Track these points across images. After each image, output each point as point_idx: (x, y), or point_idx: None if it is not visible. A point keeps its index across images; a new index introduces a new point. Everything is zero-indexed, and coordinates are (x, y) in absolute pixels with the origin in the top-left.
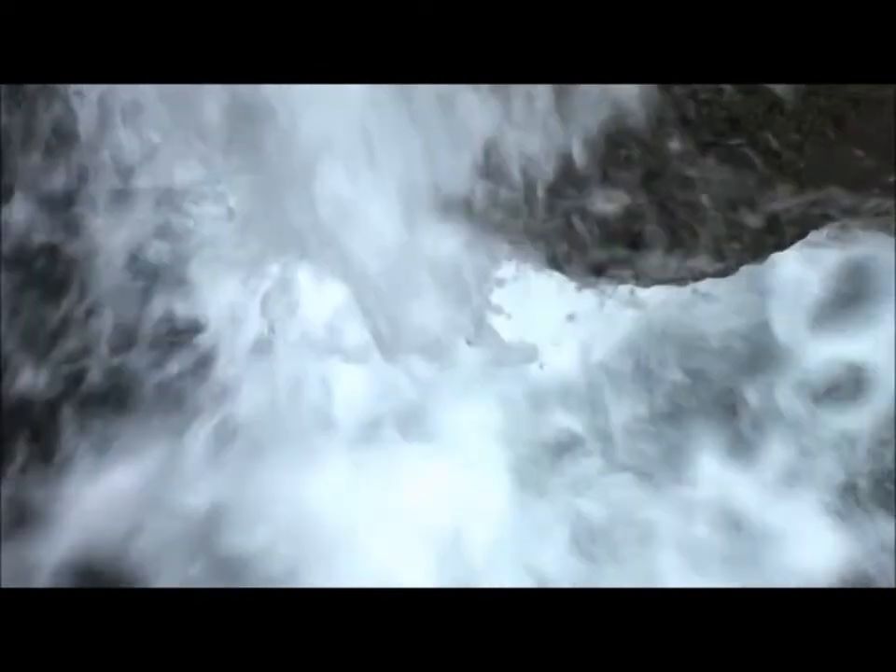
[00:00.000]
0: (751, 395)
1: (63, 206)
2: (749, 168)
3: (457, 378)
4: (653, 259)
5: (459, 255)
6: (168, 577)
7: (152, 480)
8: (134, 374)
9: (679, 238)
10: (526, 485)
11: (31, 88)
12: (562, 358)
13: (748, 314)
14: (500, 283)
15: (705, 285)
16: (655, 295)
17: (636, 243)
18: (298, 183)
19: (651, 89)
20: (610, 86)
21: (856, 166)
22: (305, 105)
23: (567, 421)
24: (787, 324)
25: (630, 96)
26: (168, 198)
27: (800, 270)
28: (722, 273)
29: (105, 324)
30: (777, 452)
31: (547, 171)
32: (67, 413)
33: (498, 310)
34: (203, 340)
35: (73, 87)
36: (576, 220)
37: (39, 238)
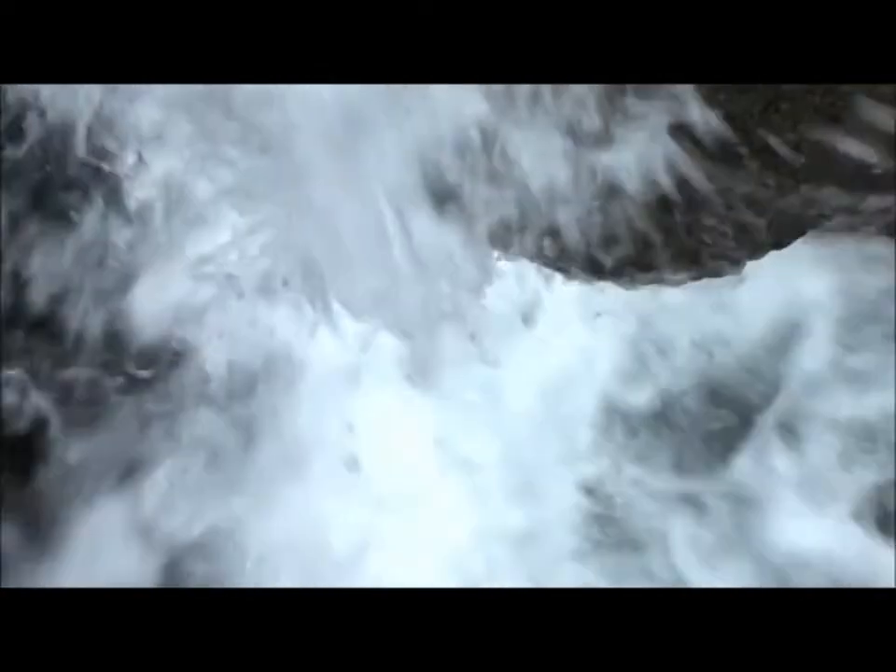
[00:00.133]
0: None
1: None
2: (747, 167)
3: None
4: (650, 259)
5: (456, 255)
6: None
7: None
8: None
9: (677, 238)
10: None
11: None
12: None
13: (746, 313)
14: (499, 282)
15: (702, 284)
16: (653, 295)
17: (632, 243)
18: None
19: (648, 89)
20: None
21: (853, 165)
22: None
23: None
24: (786, 324)
25: (628, 96)
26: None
27: (797, 269)
28: (720, 273)
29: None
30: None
31: (545, 171)
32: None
33: (497, 309)
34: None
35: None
36: (574, 220)
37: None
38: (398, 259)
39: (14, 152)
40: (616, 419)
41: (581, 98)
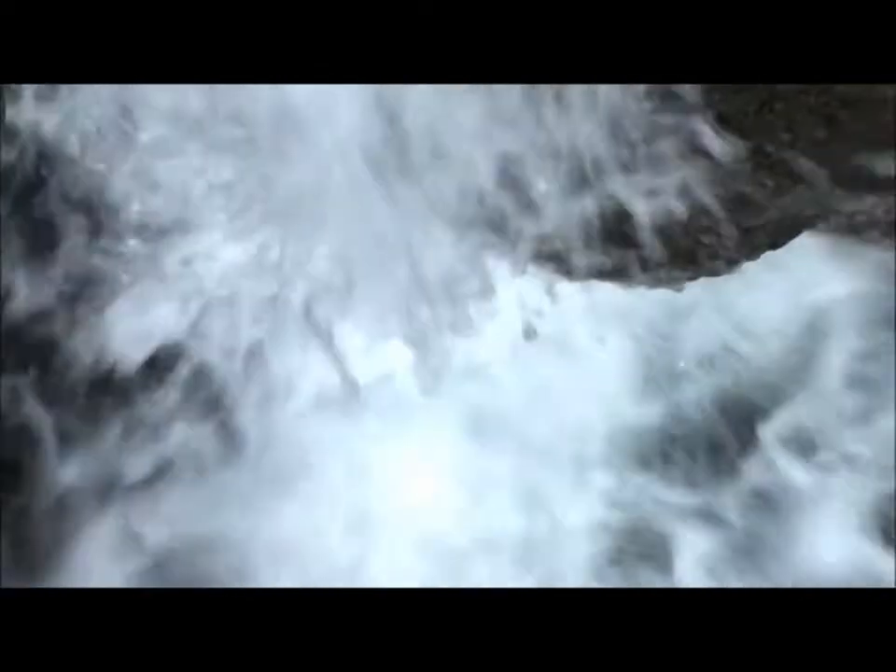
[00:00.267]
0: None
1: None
2: (742, 167)
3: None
4: (646, 259)
5: (451, 254)
6: None
7: None
8: None
9: (673, 238)
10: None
11: None
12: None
13: (744, 313)
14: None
15: (699, 284)
16: (649, 295)
17: (629, 243)
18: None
19: (643, 90)
20: (605, 88)
21: (848, 165)
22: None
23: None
24: (782, 323)
25: (624, 97)
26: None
27: (794, 269)
28: (717, 273)
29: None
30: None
31: (542, 172)
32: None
33: (495, 308)
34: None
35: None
36: (571, 221)
37: None
38: (402, 271)
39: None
40: (624, 429)
41: (575, 99)
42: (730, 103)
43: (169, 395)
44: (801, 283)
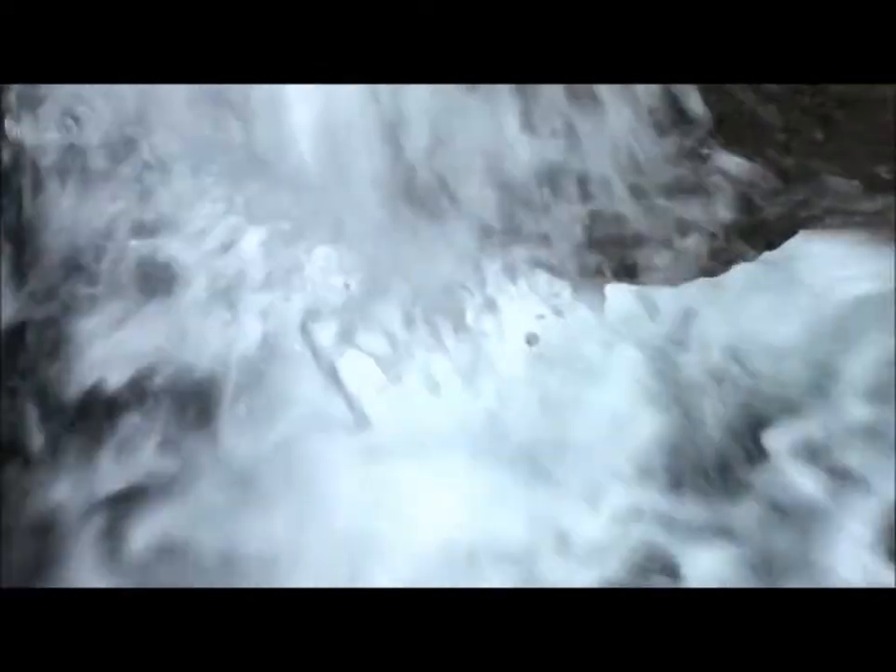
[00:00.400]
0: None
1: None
2: (737, 168)
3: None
4: (642, 260)
5: (447, 253)
6: None
7: None
8: None
9: (669, 238)
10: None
11: None
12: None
13: (740, 313)
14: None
15: (696, 283)
16: (646, 294)
17: (624, 244)
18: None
19: (636, 89)
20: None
21: (843, 165)
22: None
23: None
24: (781, 325)
25: (617, 97)
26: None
27: (790, 269)
28: (713, 273)
29: None
30: None
31: (538, 172)
32: None
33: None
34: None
35: None
36: (567, 221)
37: None
38: (403, 281)
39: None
40: (631, 438)
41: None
42: (725, 103)
43: (158, 409)
44: (798, 284)
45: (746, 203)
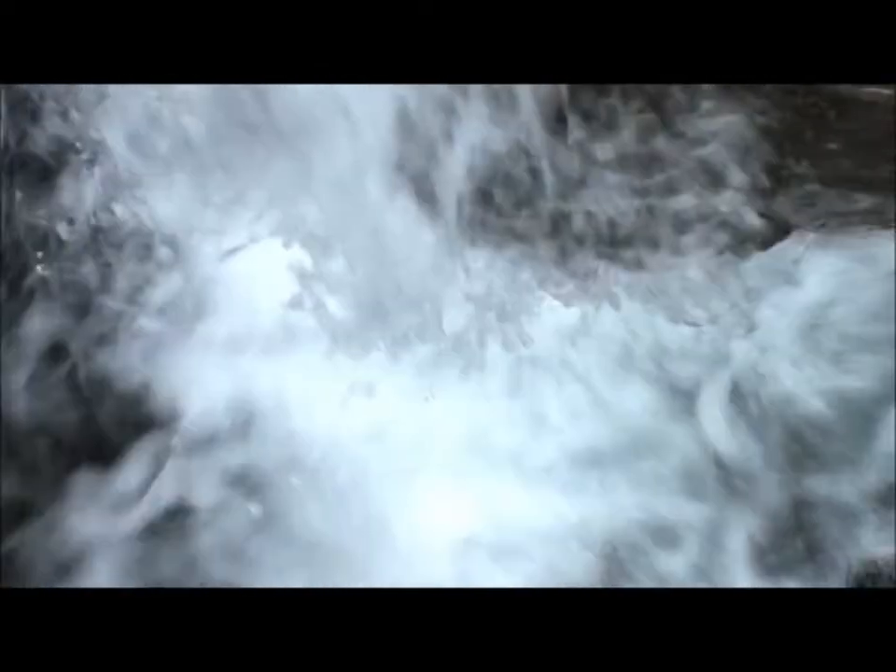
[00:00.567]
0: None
1: None
2: (730, 167)
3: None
4: (638, 260)
5: (443, 253)
6: None
7: None
8: None
9: (664, 239)
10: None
11: None
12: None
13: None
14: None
15: (692, 283)
16: (640, 295)
17: (620, 243)
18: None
19: (634, 91)
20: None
21: (837, 165)
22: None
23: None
24: (773, 325)
25: (613, 98)
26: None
27: (785, 269)
28: (707, 273)
29: None
30: None
31: (534, 172)
32: None
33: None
34: None
35: None
36: (562, 221)
37: None
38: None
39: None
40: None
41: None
42: (720, 103)
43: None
44: (794, 284)
45: (738, 204)
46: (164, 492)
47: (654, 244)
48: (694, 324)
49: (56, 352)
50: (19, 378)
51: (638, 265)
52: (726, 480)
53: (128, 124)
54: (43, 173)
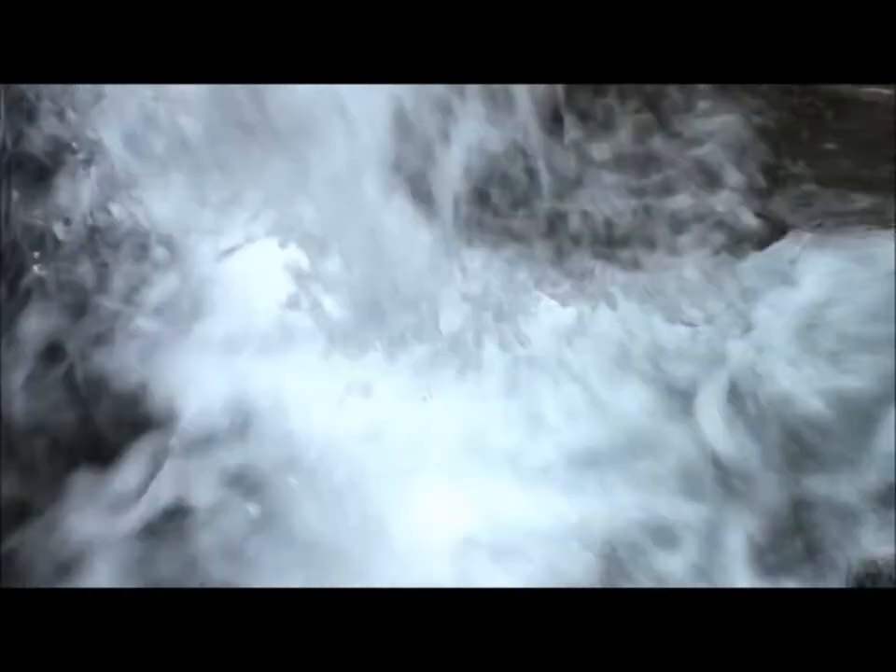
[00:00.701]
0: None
1: None
2: (727, 167)
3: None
4: (634, 260)
5: (439, 253)
6: None
7: None
8: None
9: (660, 239)
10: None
11: None
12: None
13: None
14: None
15: (689, 283)
16: (637, 295)
17: (616, 243)
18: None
19: (631, 91)
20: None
21: (834, 165)
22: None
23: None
24: (770, 325)
25: (610, 98)
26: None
27: (782, 269)
28: (704, 273)
29: None
30: None
31: (530, 172)
32: None
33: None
34: None
35: None
36: (558, 221)
37: None
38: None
39: None
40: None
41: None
42: (716, 103)
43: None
44: (791, 284)
45: (734, 203)
46: (163, 492)
47: (651, 244)
48: (691, 324)
49: (53, 352)
50: (16, 378)
51: (635, 265)
52: (724, 480)
53: (124, 124)
54: (39, 173)
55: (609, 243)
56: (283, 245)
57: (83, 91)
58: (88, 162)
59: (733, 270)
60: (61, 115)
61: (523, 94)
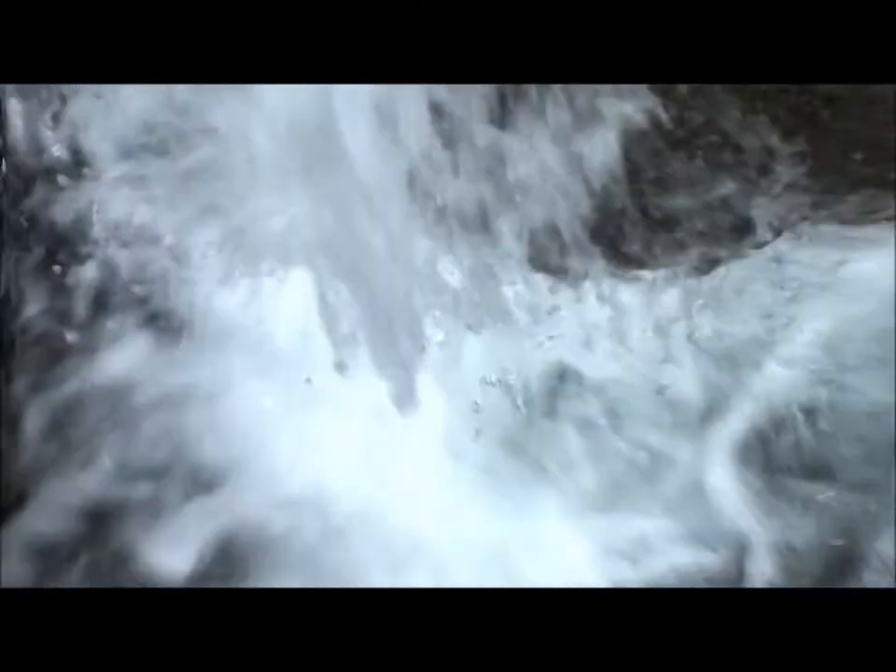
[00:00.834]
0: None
1: None
2: (723, 167)
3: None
4: (631, 260)
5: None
6: None
7: None
8: None
9: (657, 238)
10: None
11: None
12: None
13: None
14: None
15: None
16: (635, 295)
17: (614, 243)
18: None
19: (625, 90)
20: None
21: (831, 165)
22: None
23: None
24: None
25: (608, 99)
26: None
27: (779, 268)
28: (701, 273)
29: None
30: None
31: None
32: None
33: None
34: None
35: None
36: (556, 221)
37: None
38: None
39: None
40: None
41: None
42: (715, 103)
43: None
44: (787, 284)
45: (732, 203)
46: None
47: (647, 243)
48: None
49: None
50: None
51: (630, 264)
52: None
53: (123, 125)
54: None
55: (605, 243)
56: None
57: (82, 91)
58: (86, 164)
59: (728, 269)
60: (58, 115)
61: None
